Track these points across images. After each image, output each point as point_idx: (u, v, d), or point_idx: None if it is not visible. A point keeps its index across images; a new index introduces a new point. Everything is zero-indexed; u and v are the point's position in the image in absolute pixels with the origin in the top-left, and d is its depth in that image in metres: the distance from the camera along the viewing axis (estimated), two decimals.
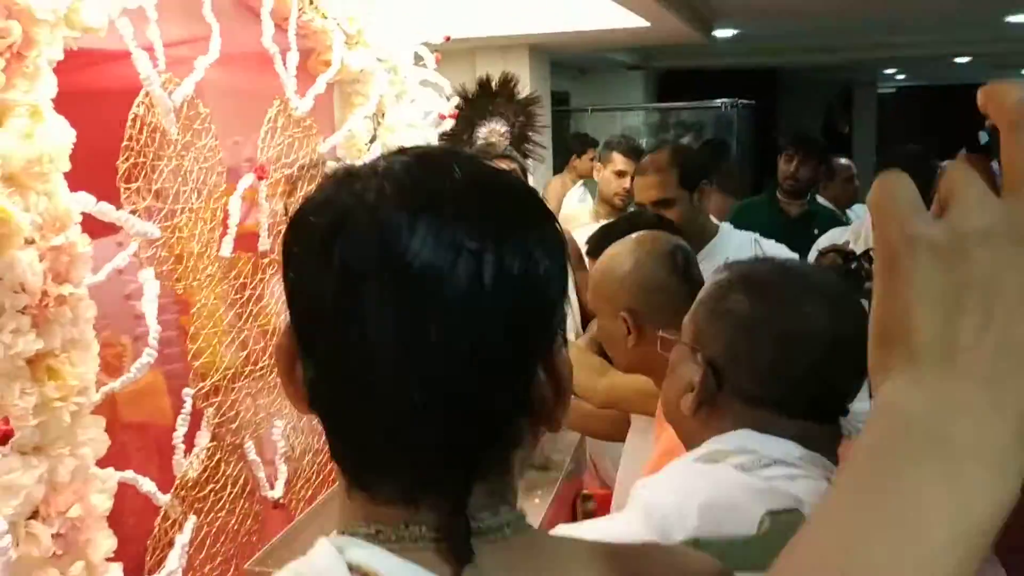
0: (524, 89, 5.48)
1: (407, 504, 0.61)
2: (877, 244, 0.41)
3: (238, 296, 1.83)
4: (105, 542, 1.31)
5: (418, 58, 2.49)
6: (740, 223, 3.46)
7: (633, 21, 4.73)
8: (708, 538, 0.79)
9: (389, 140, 2.39)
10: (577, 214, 3.72)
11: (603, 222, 2.82)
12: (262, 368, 1.87)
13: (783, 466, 0.92)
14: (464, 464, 0.59)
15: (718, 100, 7.26)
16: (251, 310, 1.87)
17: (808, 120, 11.34)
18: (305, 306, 0.63)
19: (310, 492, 2.07)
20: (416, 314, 0.57)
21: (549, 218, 0.65)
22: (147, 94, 1.48)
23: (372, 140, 2.36)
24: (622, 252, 1.71)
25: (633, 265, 1.68)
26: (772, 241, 2.51)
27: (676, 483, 0.98)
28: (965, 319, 0.38)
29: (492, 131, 3.29)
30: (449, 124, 2.59)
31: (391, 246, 0.58)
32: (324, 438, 0.66)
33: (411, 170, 0.62)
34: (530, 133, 3.70)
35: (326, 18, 2.06)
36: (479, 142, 3.21)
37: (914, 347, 0.38)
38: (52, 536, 1.20)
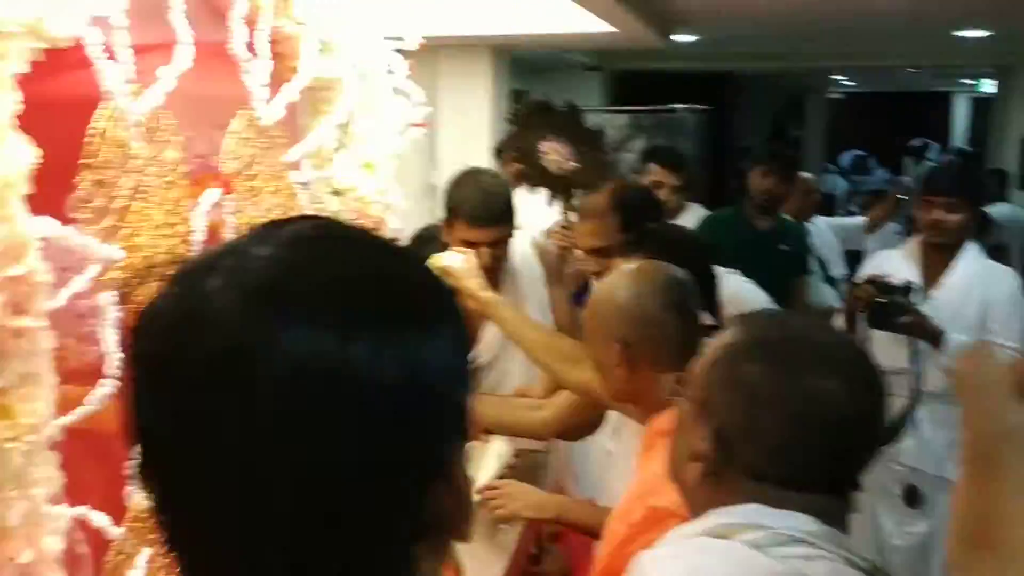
0: (487, 89, 5.43)
1: None
2: (967, 432, 0.37)
3: None
4: None
5: (389, 65, 2.42)
6: (707, 236, 3.45)
7: (597, 25, 4.70)
8: None
9: (358, 149, 2.31)
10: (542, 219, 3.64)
11: None
12: None
13: (799, 544, 0.88)
14: None
15: (677, 105, 7.27)
16: None
17: (758, 125, 11.47)
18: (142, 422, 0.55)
19: None
20: (264, 430, 0.50)
21: (447, 313, 0.58)
22: (110, 106, 1.39)
23: (338, 149, 2.28)
24: (622, 281, 1.66)
25: (630, 295, 1.63)
26: (736, 275, 2.42)
27: (688, 562, 0.93)
28: None
29: (553, 149, 3.20)
30: (419, 132, 2.52)
31: (238, 359, 0.51)
32: None
33: (274, 264, 0.55)
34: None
35: (298, 24, 1.98)
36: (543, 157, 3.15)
37: (1005, 558, 0.35)
38: None
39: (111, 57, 1.35)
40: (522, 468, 2.04)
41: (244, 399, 0.50)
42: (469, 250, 2.17)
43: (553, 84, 8.04)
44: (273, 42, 1.96)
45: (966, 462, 0.34)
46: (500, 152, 4.14)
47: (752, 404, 0.97)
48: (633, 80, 9.00)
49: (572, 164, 2.92)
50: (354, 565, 0.52)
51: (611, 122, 7.88)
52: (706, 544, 0.93)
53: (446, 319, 0.57)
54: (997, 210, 5.82)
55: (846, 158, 14.20)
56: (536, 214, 3.53)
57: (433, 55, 5.31)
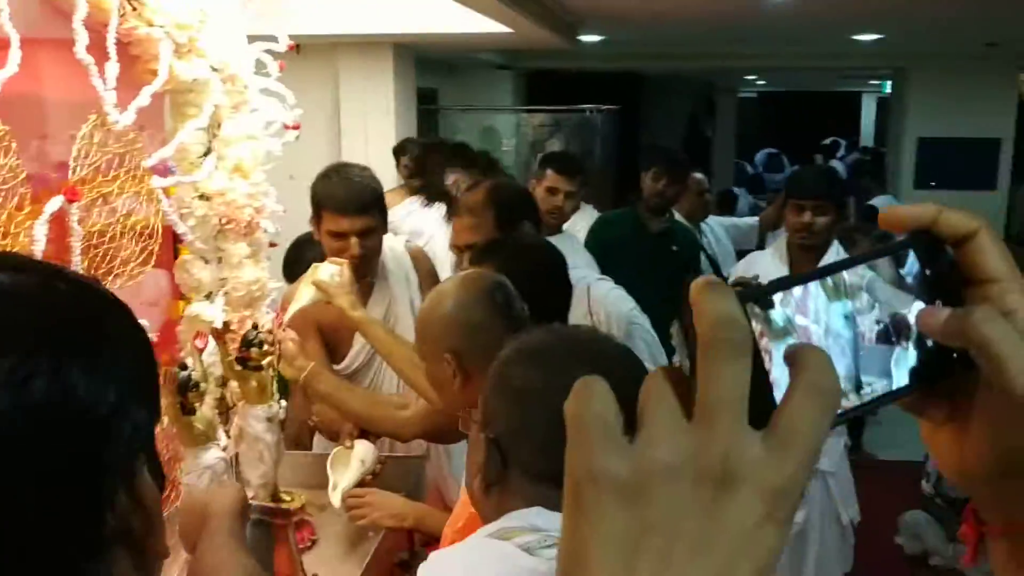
0: (388, 87, 5.39)
1: None
2: (566, 471, 0.38)
3: None
4: None
5: (260, 66, 2.38)
6: (600, 237, 3.48)
7: (496, 27, 4.71)
8: None
9: (227, 152, 2.27)
10: (432, 231, 3.64)
11: None
12: None
13: None
14: None
15: (583, 105, 7.33)
16: None
17: (672, 124, 11.66)
18: None
19: None
20: None
21: (111, 335, 0.58)
22: None
23: (207, 153, 2.23)
24: (443, 293, 1.67)
25: (454, 305, 1.63)
26: (607, 283, 2.44)
27: (456, 559, 0.96)
28: (642, 564, 0.35)
29: (459, 178, 3.35)
30: (293, 135, 2.48)
31: None
32: None
33: None
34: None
35: (152, 26, 1.93)
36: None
37: None
38: None
39: None
40: (388, 475, 2.03)
41: None
42: (343, 262, 2.14)
43: (464, 83, 8.06)
44: (127, 44, 1.92)
45: (564, 501, 0.35)
46: (397, 154, 4.13)
47: (519, 405, 0.99)
48: (546, 79, 9.06)
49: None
50: None
51: (525, 121, 7.95)
52: (482, 544, 0.96)
53: (105, 346, 0.58)
54: (880, 202, 6.08)
55: (760, 156, 14.56)
56: (428, 225, 3.54)
57: (332, 53, 5.26)
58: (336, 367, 2.40)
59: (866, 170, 7.81)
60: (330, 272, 2.11)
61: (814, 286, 0.43)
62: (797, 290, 0.42)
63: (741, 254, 4.33)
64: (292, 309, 1.89)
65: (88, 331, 0.58)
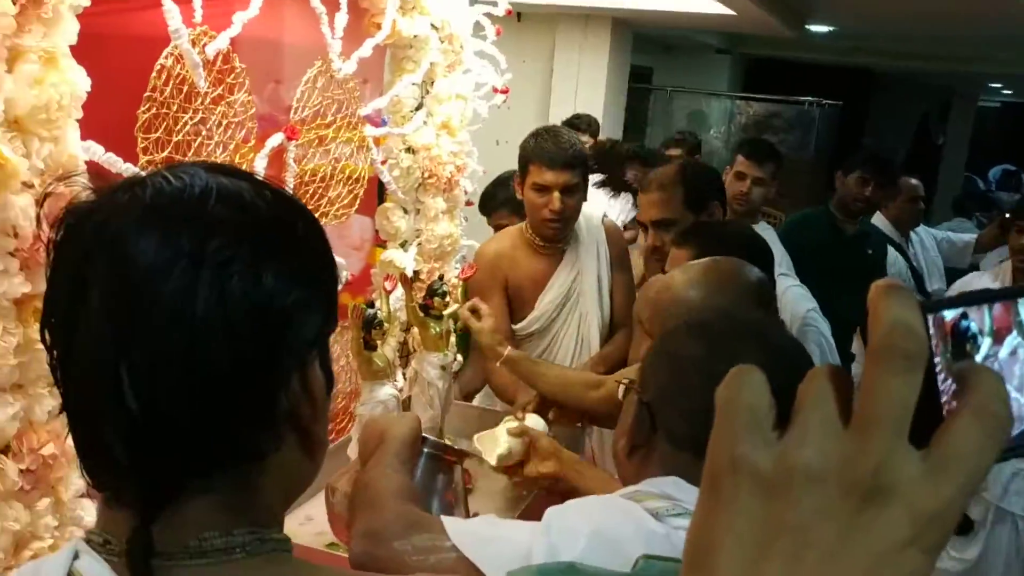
0: (603, 61, 5.38)
1: (121, 512, 0.62)
2: (707, 456, 0.37)
3: None
4: (78, 481, 1.34)
5: (478, 29, 2.45)
6: (794, 238, 3.34)
7: (719, 8, 4.59)
8: (584, 565, 0.77)
9: (437, 109, 2.36)
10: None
11: None
12: None
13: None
14: (157, 475, 0.60)
15: (802, 97, 7.02)
16: None
17: (900, 126, 10.93)
18: (48, 312, 0.63)
19: None
20: (129, 318, 0.58)
21: (302, 243, 0.66)
22: (175, 46, 1.47)
23: (418, 108, 2.33)
24: (694, 276, 1.53)
25: (705, 295, 1.49)
26: (789, 279, 2.32)
27: (585, 509, 0.97)
28: (770, 564, 0.34)
29: (634, 171, 3.40)
30: (500, 99, 2.55)
31: (115, 255, 0.59)
32: None
33: (156, 186, 0.63)
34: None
35: None
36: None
37: None
38: (21, 472, 1.23)
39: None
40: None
41: (116, 290, 0.60)
42: (484, 306, 2.11)
43: (680, 64, 7.91)
44: None
45: (701, 487, 0.35)
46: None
47: (676, 371, 0.98)
48: (766, 67, 8.74)
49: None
50: (194, 446, 0.61)
51: (739, 109, 7.72)
52: (613, 501, 0.96)
53: (294, 248, 0.66)
54: None
55: (994, 171, 13.39)
56: (616, 214, 3.52)
57: (551, 22, 5.31)
58: (514, 326, 2.44)
59: None
60: (484, 323, 2.06)
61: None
62: (998, 310, 0.39)
63: (950, 272, 4.02)
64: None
65: (282, 233, 0.65)
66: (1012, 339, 0.39)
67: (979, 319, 0.38)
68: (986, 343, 0.38)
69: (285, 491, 0.69)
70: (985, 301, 0.39)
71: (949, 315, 0.38)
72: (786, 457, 0.35)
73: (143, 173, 0.67)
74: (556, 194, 2.29)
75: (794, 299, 2.22)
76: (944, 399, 0.36)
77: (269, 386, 0.63)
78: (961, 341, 0.38)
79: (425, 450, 1.17)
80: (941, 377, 0.37)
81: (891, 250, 3.73)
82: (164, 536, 0.61)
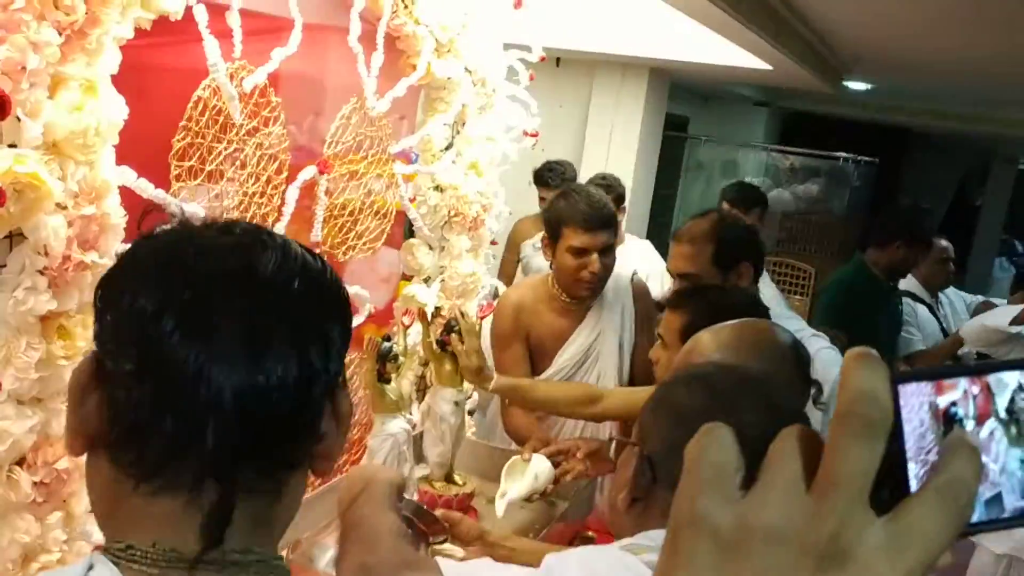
0: (639, 108, 5.43)
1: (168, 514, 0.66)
2: (671, 511, 0.38)
3: None
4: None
5: (512, 73, 2.50)
6: (843, 296, 3.36)
7: (756, 63, 4.62)
8: None
9: (466, 150, 2.40)
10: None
11: None
12: None
13: None
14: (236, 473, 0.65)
15: (838, 153, 7.01)
16: None
17: (936, 185, 10.85)
18: (123, 339, 0.67)
19: (319, 480, 2.11)
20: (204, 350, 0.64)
21: (340, 291, 0.73)
22: (212, 78, 1.52)
23: (448, 147, 2.38)
24: (725, 339, 1.50)
25: (736, 359, 1.44)
26: (820, 340, 2.28)
27: (585, 559, 0.97)
28: None
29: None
30: (530, 141, 2.58)
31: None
32: None
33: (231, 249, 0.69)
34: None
35: (419, 24, 2.08)
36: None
37: None
38: (35, 484, 1.26)
39: (219, 33, 1.48)
40: (559, 491, 2.03)
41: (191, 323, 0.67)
42: (466, 322, 2.10)
43: (716, 114, 7.94)
44: (395, 39, 2.08)
45: (664, 542, 0.36)
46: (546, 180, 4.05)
47: (678, 424, 0.98)
48: (805, 122, 8.74)
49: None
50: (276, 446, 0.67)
51: (774, 160, 7.72)
52: (608, 553, 0.95)
53: (334, 311, 0.73)
54: None
55: None
56: (643, 261, 3.49)
57: (590, 69, 5.37)
58: (537, 378, 2.41)
59: None
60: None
61: (993, 421, 0.40)
62: (980, 400, 0.40)
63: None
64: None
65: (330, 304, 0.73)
66: (991, 423, 0.40)
67: (964, 407, 0.39)
68: (970, 425, 0.39)
69: (292, 509, 0.74)
70: (958, 375, 0.40)
71: (942, 403, 0.39)
72: (746, 516, 0.35)
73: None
74: (595, 256, 2.25)
75: (828, 362, 2.18)
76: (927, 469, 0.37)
77: (317, 402, 0.69)
78: (950, 422, 0.39)
79: (402, 511, 1.16)
80: (935, 450, 0.38)
81: (923, 309, 3.72)
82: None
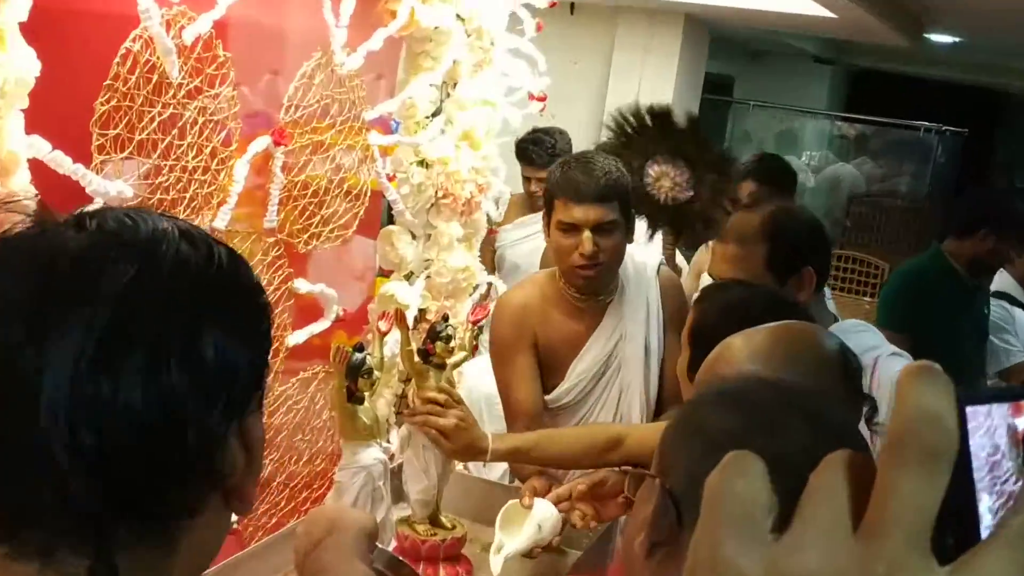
0: (672, 66, 5.41)
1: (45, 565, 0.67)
2: (688, 554, 0.38)
3: None
4: None
5: (515, 22, 2.50)
6: (911, 292, 3.37)
7: (816, 9, 4.62)
8: None
9: (457, 116, 2.40)
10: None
11: None
12: None
13: None
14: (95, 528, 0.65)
15: (919, 122, 7.02)
16: None
17: None
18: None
19: (274, 521, 2.12)
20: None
21: (241, 298, 0.75)
22: (145, 28, 1.52)
23: (436, 114, 2.38)
24: (759, 346, 1.50)
25: (772, 368, 1.43)
26: (901, 359, 2.24)
27: None
28: None
29: (664, 174, 3.07)
30: (537, 107, 2.58)
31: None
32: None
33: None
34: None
35: None
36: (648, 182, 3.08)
37: None
38: None
39: None
40: (568, 538, 2.03)
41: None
42: (446, 401, 2.09)
43: (768, 74, 7.95)
44: None
45: None
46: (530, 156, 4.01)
47: (708, 452, 0.97)
48: (877, 82, 8.75)
49: (687, 194, 2.84)
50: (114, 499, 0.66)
51: (840, 130, 7.74)
52: None
53: (240, 305, 0.75)
54: None
55: None
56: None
57: (611, 18, 5.38)
58: (545, 397, 2.40)
59: None
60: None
61: None
62: None
63: None
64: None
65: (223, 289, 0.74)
66: None
67: None
68: None
69: (201, 556, 0.75)
70: None
71: (1022, 425, 0.39)
72: (778, 563, 0.35)
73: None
74: (587, 233, 2.22)
75: (895, 378, 2.16)
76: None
77: (208, 444, 0.70)
78: None
79: (373, 563, 1.16)
80: (1013, 480, 0.37)
81: (1021, 313, 3.72)
82: None
